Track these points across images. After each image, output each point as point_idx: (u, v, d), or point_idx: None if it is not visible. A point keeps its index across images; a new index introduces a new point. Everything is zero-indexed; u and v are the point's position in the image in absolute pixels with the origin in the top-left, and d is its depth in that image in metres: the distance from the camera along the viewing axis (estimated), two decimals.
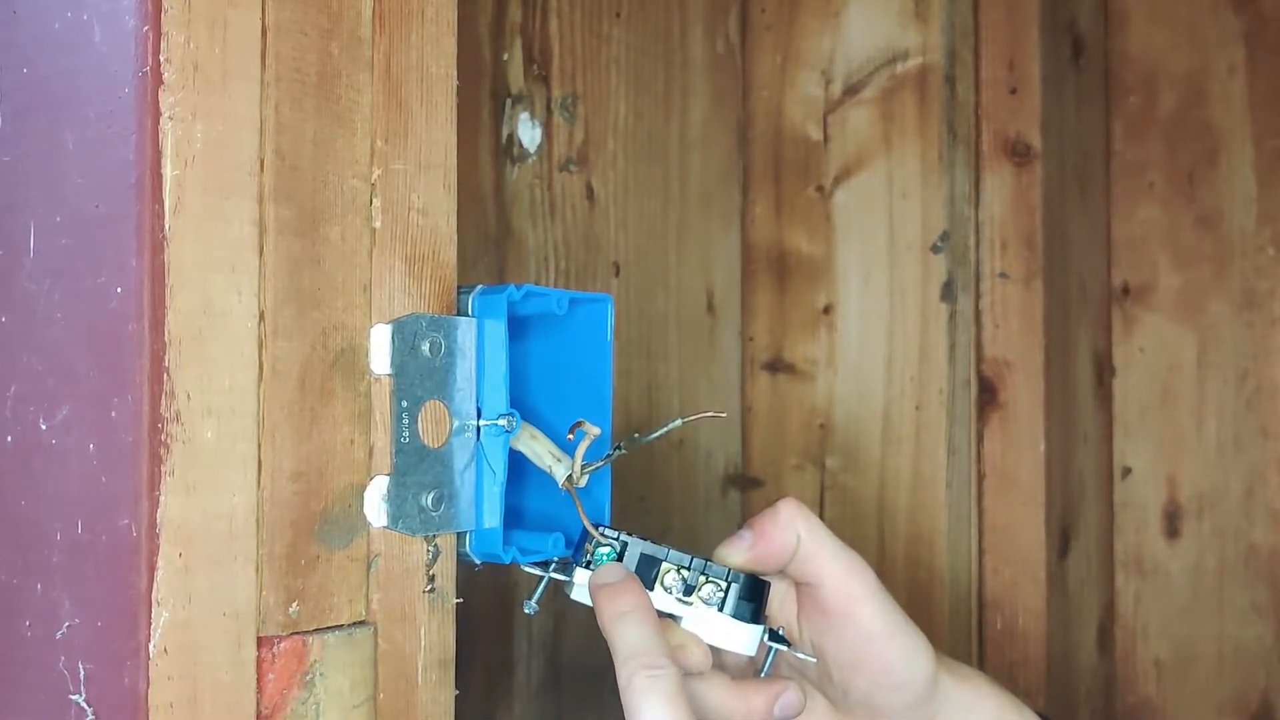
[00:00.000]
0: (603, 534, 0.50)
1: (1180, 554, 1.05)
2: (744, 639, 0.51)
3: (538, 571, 0.51)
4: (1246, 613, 1.02)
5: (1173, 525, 1.06)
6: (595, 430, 0.49)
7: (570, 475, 0.49)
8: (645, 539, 0.52)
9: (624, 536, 0.50)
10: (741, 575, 0.51)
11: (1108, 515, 1.07)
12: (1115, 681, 1.06)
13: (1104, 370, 1.07)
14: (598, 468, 0.50)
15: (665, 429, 0.52)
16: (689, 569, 0.50)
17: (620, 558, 0.50)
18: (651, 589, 0.50)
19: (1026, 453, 0.91)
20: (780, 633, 0.53)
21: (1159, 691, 1.04)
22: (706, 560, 0.51)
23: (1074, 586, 0.98)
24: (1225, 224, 1.05)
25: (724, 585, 0.50)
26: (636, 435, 0.52)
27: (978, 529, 0.92)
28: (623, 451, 0.51)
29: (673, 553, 0.50)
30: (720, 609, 0.50)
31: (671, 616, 0.50)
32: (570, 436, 0.49)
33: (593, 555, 0.50)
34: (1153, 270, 1.07)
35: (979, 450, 0.92)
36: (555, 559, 0.51)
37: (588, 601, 0.50)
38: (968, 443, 0.92)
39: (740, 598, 0.51)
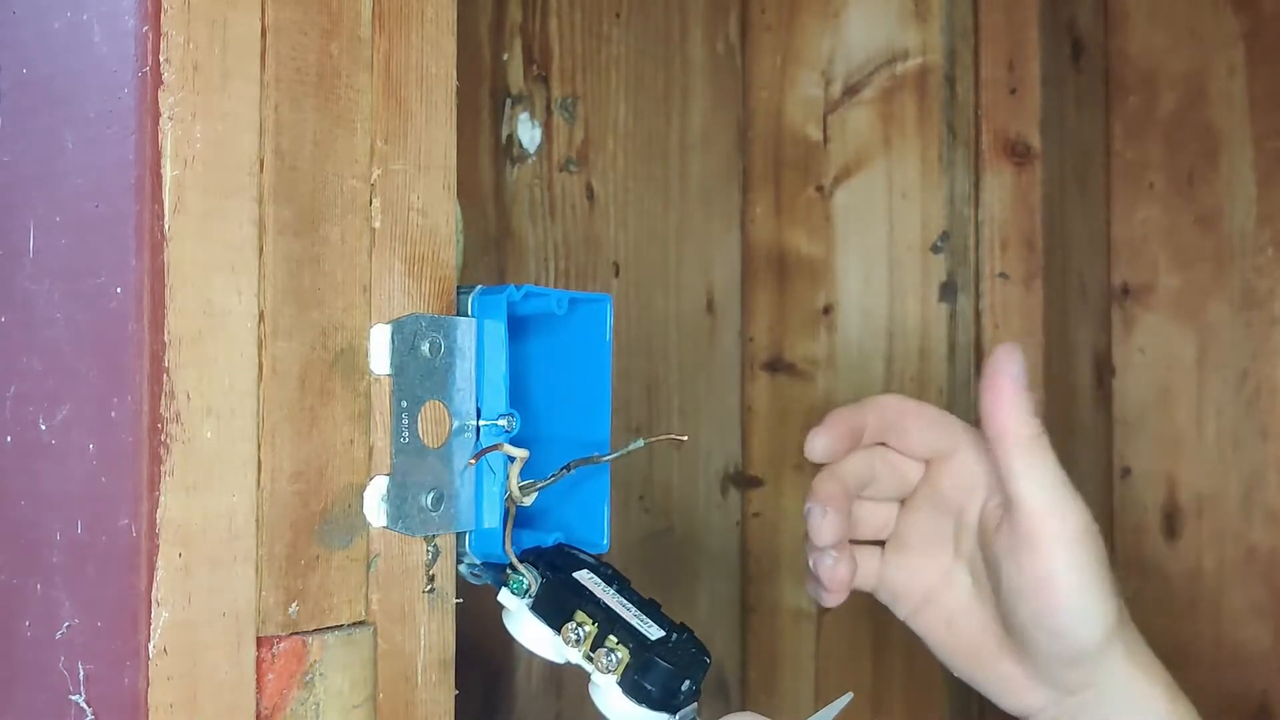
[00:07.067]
0: (525, 567, 0.47)
1: (1179, 555, 1.05)
2: None
3: (479, 581, 0.49)
4: (1246, 614, 1.02)
5: (1172, 526, 1.06)
6: (522, 454, 0.46)
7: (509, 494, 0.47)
8: (606, 568, 0.48)
9: (548, 573, 0.47)
10: (650, 647, 0.44)
11: (1107, 515, 1.07)
12: None
13: (1104, 370, 1.07)
14: (542, 487, 0.48)
15: (626, 449, 0.49)
16: (594, 622, 0.45)
17: (531, 594, 0.47)
18: (558, 631, 0.46)
19: None
20: None
21: None
22: (643, 610, 0.46)
23: None
24: (1225, 224, 1.05)
25: (618, 655, 0.45)
26: (595, 455, 0.49)
27: None
28: (569, 472, 0.48)
29: (593, 597, 0.46)
30: (614, 676, 0.45)
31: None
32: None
33: (509, 582, 0.48)
34: (1153, 270, 1.07)
35: None
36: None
37: (513, 630, 0.48)
38: None
39: (636, 675, 0.44)
